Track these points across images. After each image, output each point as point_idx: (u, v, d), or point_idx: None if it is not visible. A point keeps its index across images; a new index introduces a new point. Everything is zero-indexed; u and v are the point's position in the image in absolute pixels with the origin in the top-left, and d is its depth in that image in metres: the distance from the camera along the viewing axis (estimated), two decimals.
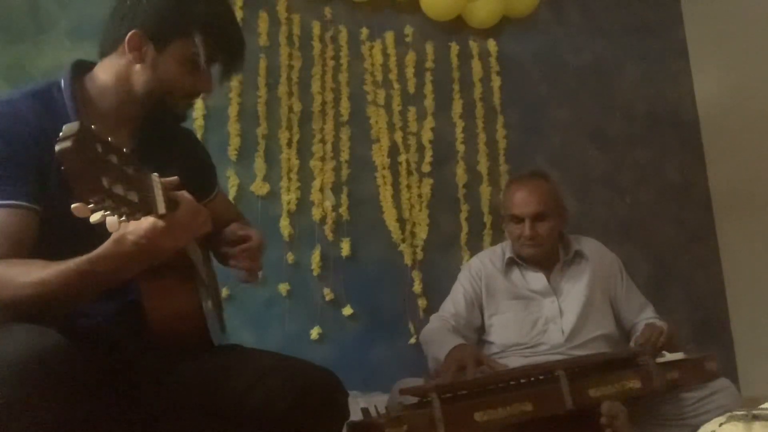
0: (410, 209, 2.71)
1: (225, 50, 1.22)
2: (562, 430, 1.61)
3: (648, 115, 3.26)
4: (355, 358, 2.53)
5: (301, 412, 1.10)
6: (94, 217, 0.80)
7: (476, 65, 2.95)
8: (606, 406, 1.55)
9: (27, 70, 2.34)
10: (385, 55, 2.81)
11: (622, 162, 3.15)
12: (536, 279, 2.08)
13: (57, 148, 0.73)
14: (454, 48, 2.93)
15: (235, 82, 2.54)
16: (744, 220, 3.09)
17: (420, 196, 2.74)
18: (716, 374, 1.78)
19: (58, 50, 2.39)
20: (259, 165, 2.56)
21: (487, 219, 2.81)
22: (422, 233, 2.70)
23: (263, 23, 2.65)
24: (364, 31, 2.79)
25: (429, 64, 2.87)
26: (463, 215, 2.79)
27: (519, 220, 2.03)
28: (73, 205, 0.79)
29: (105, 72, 1.20)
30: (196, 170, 1.33)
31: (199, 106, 2.47)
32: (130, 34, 1.15)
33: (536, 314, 2.04)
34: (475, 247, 2.66)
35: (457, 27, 2.95)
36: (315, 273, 2.55)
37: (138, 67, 1.17)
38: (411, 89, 2.82)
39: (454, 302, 2.10)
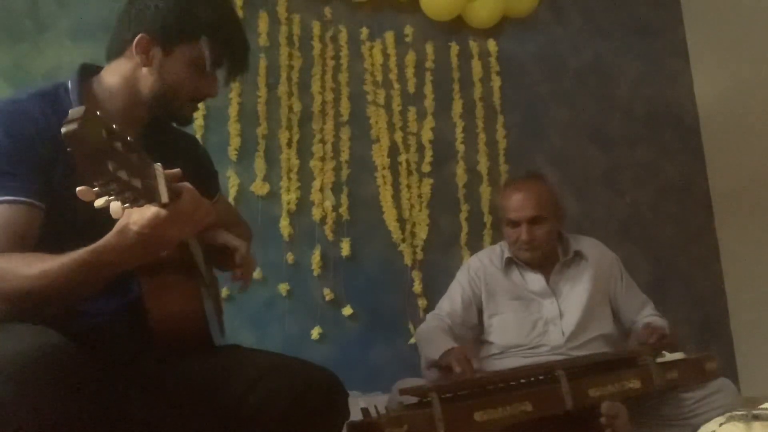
0: (410, 209, 2.71)
1: (230, 54, 1.23)
2: (562, 430, 1.61)
3: (648, 115, 3.26)
4: (355, 358, 2.53)
5: (301, 412, 1.10)
6: (98, 202, 0.80)
7: (476, 65, 2.95)
8: (606, 406, 1.55)
9: (27, 70, 2.35)
10: (385, 55, 2.81)
11: (622, 162, 3.15)
12: (535, 280, 2.08)
13: (63, 130, 0.74)
14: (454, 48, 2.93)
15: (235, 82, 2.53)
16: (744, 220, 3.09)
17: (420, 196, 2.74)
18: (716, 374, 1.78)
19: (58, 50, 2.39)
20: (259, 165, 2.56)
21: (487, 219, 2.81)
22: (422, 233, 2.70)
23: (263, 23, 2.65)
24: (364, 31, 2.80)
25: (429, 64, 2.87)
26: (463, 215, 2.80)
27: (515, 224, 2.03)
28: (78, 188, 0.79)
29: (112, 75, 1.21)
30: (199, 174, 1.33)
31: (199, 106, 2.46)
32: (138, 37, 1.17)
33: (536, 315, 2.04)
34: (475, 247, 2.66)
35: (457, 27, 2.95)
36: (315, 273, 2.55)
37: (145, 70, 1.19)
38: (411, 89, 2.82)
39: (451, 301, 2.09)
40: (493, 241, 2.69)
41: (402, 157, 2.74)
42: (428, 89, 2.84)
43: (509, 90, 2.99)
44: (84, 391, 0.89)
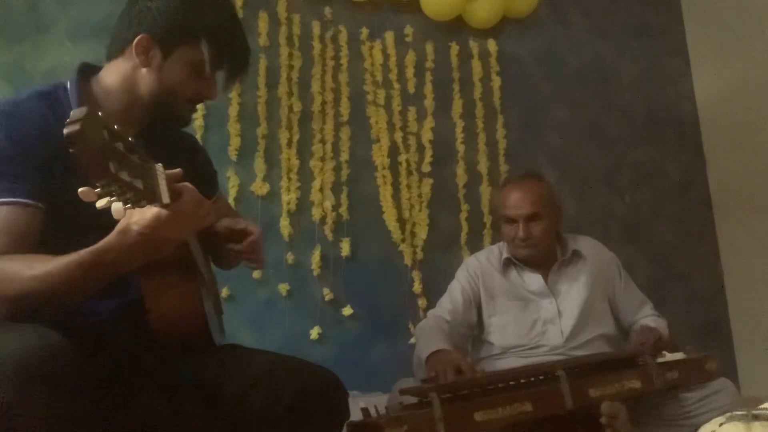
0: (410, 209, 2.71)
1: (230, 57, 1.23)
2: (562, 430, 1.61)
3: (648, 115, 3.26)
4: (355, 358, 2.54)
5: (301, 412, 1.10)
6: (100, 203, 0.81)
7: (476, 65, 2.95)
8: (606, 406, 1.55)
9: (27, 70, 2.35)
10: (385, 55, 2.81)
11: (622, 162, 3.15)
12: (533, 280, 2.08)
13: (65, 131, 0.74)
14: (454, 48, 2.93)
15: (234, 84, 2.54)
16: (744, 220, 3.09)
17: (420, 196, 2.74)
18: (716, 374, 1.78)
19: (58, 50, 2.39)
20: (259, 165, 2.56)
21: (487, 219, 2.81)
22: (422, 233, 2.70)
23: (263, 23, 2.65)
24: (364, 31, 2.79)
25: (429, 64, 2.87)
26: (463, 215, 2.80)
27: (512, 221, 2.03)
28: (80, 189, 0.80)
29: (111, 75, 1.21)
30: (198, 174, 1.33)
31: (199, 106, 2.45)
32: (137, 38, 1.17)
33: (535, 315, 2.04)
34: (475, 247, 2.66)
35: (457, 27, 2.95)
36: (315, 273, 2.55)
37: (144, 71, 1.19)
38: (411, 89, 2.82)
39: (452, 299, 2.09)
40: (493, 241, 2.69)
41: (402, 157, 2.74)
42: (428, 89, 2.84)
43: (509, 90, 2.99)
44: (84, 391, 0.90)
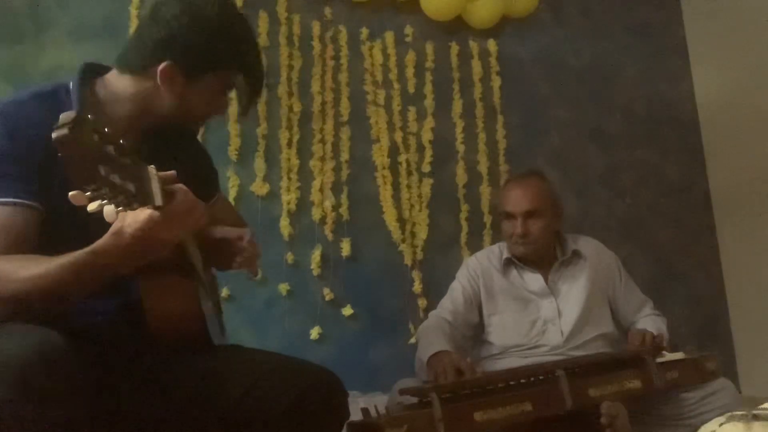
0: (410, 209, 2.71)
1: (254, 83, 1.26)
2: (562, 430, 1.61)
3: (648, 115, 3.26)
4: (355, 358, 2.53)
5: (301, 412, 1.10)
6: (92, 206, 0.80)
7: (476, 65, 2.95)
8: (606, 406, 1.55)
9: (27, 70, 2.34)
10: (385, 55, 2.81)
11: (622, 162, 3.15)
12: (534, 280, 2.08)
13: (53, 135, 0.74)
14: (454, 48, 2.93)
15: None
16: (744, 220, 3.09)
17: (420, 196, 2.74)
18: (716, 374, 1.78)
19: (58, 50, 2.39)
20: (259, 165, 2.56)
21: (487, 219, 2.81)
22: (422, 233, 2.70)
23: (263, 23, 2.65)
24: (364, 31, 2.79)
25: (429, 64, 2.87)
26: (463, 215, 2.79)
27: (512, 217, 2.04)
28: (70, 193, 0.80)
29: (125, 85, 1.19)
30: (198, 174, 1.34)
31: None
32: (163, 65, 1.15)
33: (535, 315, 2.04)
34: (475, 247, 2.66)
35: (457, 27, 2.94)
36: (315, 273, 2.55)
37: (164, 92, 1.18)
38: (411, 89, 2.82)
39: (453, 300, 2.09)
40: (493, 241, 2.69)
41: (402, 157, 2.74)
42: (428, 89, 2.84)
43: (509, 90, 2.99)
44: (84, 391, 0.89)
